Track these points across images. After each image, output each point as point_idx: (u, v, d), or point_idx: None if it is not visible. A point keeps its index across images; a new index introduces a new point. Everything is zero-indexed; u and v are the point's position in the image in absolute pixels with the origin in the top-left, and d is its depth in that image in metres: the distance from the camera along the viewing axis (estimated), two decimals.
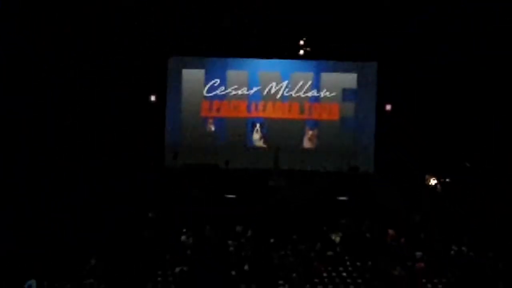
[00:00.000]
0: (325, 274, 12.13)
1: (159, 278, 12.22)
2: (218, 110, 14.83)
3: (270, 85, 13.85)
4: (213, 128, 14.79)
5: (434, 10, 14.38)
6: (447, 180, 14.26)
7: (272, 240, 12.81)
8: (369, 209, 13.78)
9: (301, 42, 13.96)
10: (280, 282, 11.72)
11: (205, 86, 14.58)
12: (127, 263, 12.63)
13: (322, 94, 13.83)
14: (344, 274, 12.38)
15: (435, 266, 12.42)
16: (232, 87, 14.40)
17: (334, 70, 13.94)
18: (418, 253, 12.35)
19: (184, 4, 14.64)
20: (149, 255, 12.85)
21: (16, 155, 15.58)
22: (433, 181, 14.01)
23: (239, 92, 13.93)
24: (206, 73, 14.65)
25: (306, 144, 13.93)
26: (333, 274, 12.31)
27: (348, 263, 12.63)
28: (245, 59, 14.04)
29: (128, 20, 15.07)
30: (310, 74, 13.81)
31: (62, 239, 13.19)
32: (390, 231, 13.23)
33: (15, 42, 15.17)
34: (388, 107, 13.93)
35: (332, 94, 13.86)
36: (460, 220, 13.83)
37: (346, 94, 13.90)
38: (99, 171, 15.04)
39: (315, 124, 13.97)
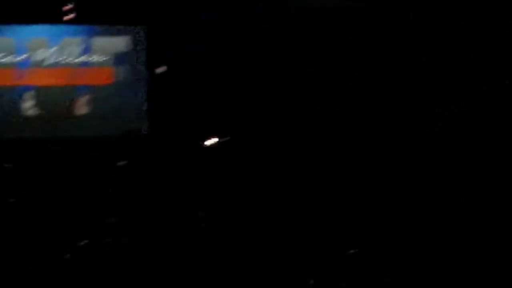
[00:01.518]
0: None
1: None
2: None
3: (39, 51, 12.69)
4: None
5: None
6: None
7: None
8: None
9: (70, 6, 12.66)
10: None
11: None
12: None
13: (93, 58, 12.94)
14: None
15: None
16: None
17: (105, 34, 13.05)
18: None
19: None
20: None
21: None
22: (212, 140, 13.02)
23: (5, 60, 12.67)
24: None
25: (78, 110, 12.99)
26: None
27: None
28: (10, 26, 12.67)
29: None
30: (81, 39, 12.90)
31: None
32: None
33: None
34: (159, 69, 13.19)
35: (104, 59, 13.00)
36: None
37: (119, 58, 13.10)
38: None
39: (87, 89, 13.05)
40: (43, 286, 10.62)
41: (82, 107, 12.88)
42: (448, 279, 9.57)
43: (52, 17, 12.73)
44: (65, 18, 12.68)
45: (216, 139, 13.17)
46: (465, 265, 9.80)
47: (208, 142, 13.12)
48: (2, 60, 12.59)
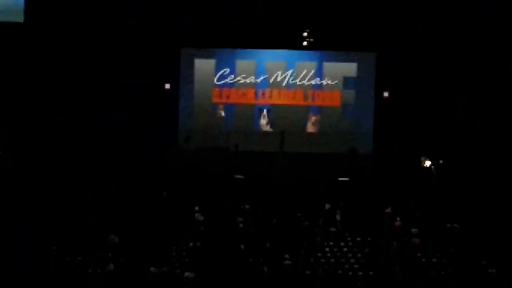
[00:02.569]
0: (327, 249, 13.22)
1: (173, 253, 13.18)
2: (227, 97, 15.79)
3: (276, 74, 14.90)
4: (222, 114, 16.00)
5: (429, 3, 15.08)
6: (441, 162, 15.27)
7: (275, 220, 13.63)
8: (368, 189, 14.75)
9: (305, 34, 14.93)
10: (286, 256, 12.63)
11: (215, 75, 15.77)
12: (145, 237, 13.42)
13: (324, 82, 14.96)
14: (345, 249, 13.43)
15: (430, 241, 13.37)
16: (240, 76, 15.23)
17: (336, 60, 15.01)
18: (414, 230, 13.29)
19: None
20: (166, 230, 13.75)
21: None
22: (427, 163, 15.00)
23: (248, 80, 14.99)
24: (216, 63, 15.83)
25: (309, 128, 15.09)
26: (335, 249, 13.40)
27: (349, 238, 13.76)
28: (252, 50, 15.05)
29: (143, 13, 16.06)
30: (313, 64, 14.94)
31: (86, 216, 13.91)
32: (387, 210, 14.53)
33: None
34: (386, 94, 15.00)
35: (334, 82, 14.94)
36: (453, 199, 14.71)
37: (348, 82, 15.00)
38: (117, 156, 16.04)
39: (317, 110, 15.15)
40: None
41: (312, 126, 14.84)
42: None
43: (289, 42, 14.64)
44: (303, 44, 14.48)
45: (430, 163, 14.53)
46: None
47: (426, 164, 14.28)
48: (244, 80, 14.81)
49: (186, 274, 12.36)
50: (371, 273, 12.59)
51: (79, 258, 12.82)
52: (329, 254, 13.37)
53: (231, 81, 15.40)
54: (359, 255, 13.45)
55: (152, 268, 12.35)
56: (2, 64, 16.89)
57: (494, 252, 13.34)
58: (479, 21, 16.03)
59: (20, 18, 16.76)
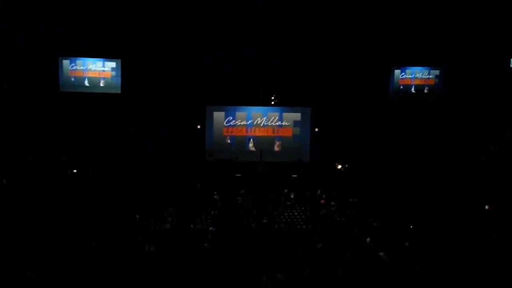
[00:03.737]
0: (286, 214, 17.02)
1: (203, 217, 16.59)
2: (231, 132, 22.43)
3: (257, 119, 22.58)
4: (229, 141, 22.64)
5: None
6: (346, 166, 21.55)
7: (258, 198, 17.86)
8: (307, 182, 20.17)
9: (273, 98, 22.67)
10: (264, 218, 16.21)
11: (224, 120, 22.56)
12: (188, 209, 16.71)
13: (283, 123, 22.51)
14: (296, 214, 17.70)
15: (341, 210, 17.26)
16: (238, 120, 22.46)
17: (290, 111, 22.60)
18: (333, 203, 17.50)
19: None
20: (197, 205, 17.41)
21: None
22: (339, 166, 21.82)
23: (242, 123, 22.42)
24: (225, 114, 22.57)
25: (276, 148, 22.62)
26: (290, 214, 17.51)
27: (298, 208, 18.04)
28: (245, 107, 22.50)
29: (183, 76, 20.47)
30: (277, 113, 22.59)
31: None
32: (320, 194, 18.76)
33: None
34: (316, 129, 22.51)
35: (288, 123, 22.57)
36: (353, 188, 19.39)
37: (296, 123, 22.59)
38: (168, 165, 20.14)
39: (280, 138, 22.65)
40: None
41: (277, 147, 23.40)
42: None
43: (264, 102, 23.15)
44: (272, 103, 23.11)
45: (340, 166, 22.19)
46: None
47: (338, 166, 22.59)
48: (241, 123, 23.30)
49: (210, 228, 15.37)
50: (310, 226, 16.43)
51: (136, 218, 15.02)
52: (287, 217, 17.48)
53: (233, 123, 22.45)
54: (303, 217, 17.52)
55: (191, 225, 15.51)
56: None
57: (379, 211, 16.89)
58: None
59: None
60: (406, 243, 13.90)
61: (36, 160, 16.18)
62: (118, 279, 9.80)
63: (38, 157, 16.71)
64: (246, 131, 23.02)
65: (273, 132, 23.00)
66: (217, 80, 21.57)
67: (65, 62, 20.95)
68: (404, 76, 22.09)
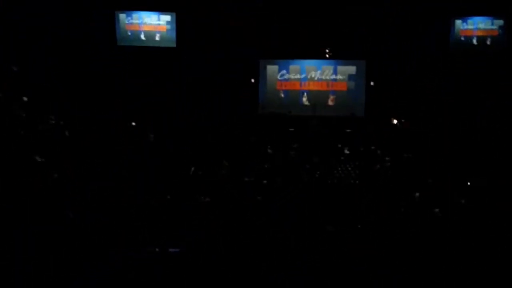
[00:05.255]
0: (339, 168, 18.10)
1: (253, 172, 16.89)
2: (285, 86, 22.80)
3: (311, 73, 22.72)
4: (282, 95, 22.76)
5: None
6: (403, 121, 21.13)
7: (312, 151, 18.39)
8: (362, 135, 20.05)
9: (327, 50, 22.96)
10: (318, 171, 17.13)
11: (278, 74, 22.92)
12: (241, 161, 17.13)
13: (337, 77, 22.53)
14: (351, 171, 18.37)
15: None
16: (292, 74, 22.74)
17: (344, 64, 22.55)
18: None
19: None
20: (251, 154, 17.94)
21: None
22: (395, 121, 21.26)
23: (296, 76, 22.56)
24: (278, 67, 22.53)
25: (330, 103, 22.71)
26: (342, 166, 18.41)
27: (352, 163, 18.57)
28: (299, 60, 22.61)
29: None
30: (331, 67, 22.49)
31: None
32: None
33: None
34: (372, 83, 22.49)
35: (343, 77, 22.59)
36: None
37: (350, 77, 22.62)
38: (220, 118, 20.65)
39: (334, 93, 22.67)
40: None
41: (331, 101, 23.64)
42: None
43: (318, 55, 23.45)
44: (326, 56, 23.35)
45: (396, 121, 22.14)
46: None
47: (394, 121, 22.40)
48: (294, 76, 23.57)
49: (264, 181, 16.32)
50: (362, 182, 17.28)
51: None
52: (340, 172, 18.29)
53: (287, 77, 22.49)
54: (357, 172, 18.14)
55: (245, 178, 16.43)
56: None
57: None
58: None
59: None
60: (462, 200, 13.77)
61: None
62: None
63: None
64: (300, 85, 23.11)
65: (327, 86, 22.99)
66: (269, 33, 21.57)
67: (122, 16, 21.56)
68: (465, 27, 21.44)
